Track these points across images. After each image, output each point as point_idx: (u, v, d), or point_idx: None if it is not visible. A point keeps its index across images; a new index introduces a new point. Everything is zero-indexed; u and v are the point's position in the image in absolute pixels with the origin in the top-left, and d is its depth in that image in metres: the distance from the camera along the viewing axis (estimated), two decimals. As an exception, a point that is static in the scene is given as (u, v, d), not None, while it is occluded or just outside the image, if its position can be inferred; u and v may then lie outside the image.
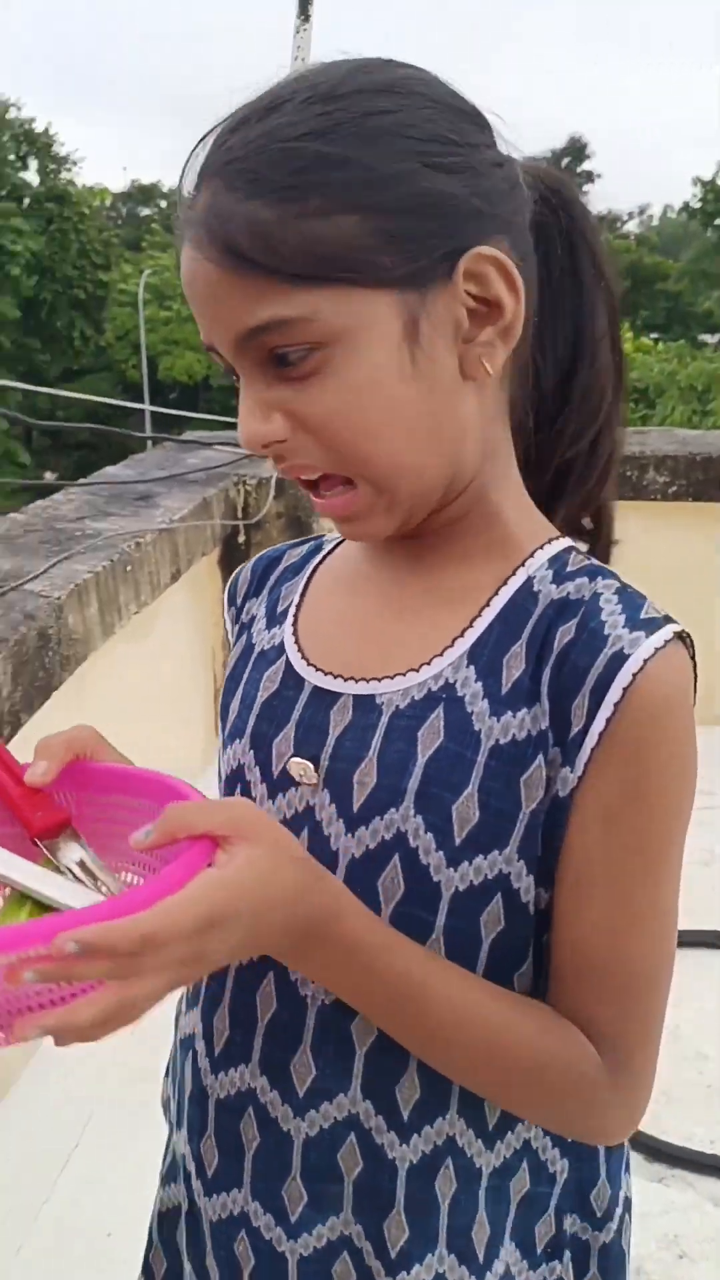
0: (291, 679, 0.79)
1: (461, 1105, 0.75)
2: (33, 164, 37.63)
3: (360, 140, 0.64)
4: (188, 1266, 0.85)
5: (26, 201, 35.73)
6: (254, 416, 0.69)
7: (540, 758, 0.69)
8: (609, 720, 0.67)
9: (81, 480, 3.33)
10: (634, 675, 0.67)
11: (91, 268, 35.56)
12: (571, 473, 0.79)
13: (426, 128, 0.66)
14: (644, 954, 0.70)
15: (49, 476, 25.91)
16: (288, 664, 0.80)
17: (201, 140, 0.68)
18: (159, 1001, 0.58)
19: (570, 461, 0.78)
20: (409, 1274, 0.75)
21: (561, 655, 0.69)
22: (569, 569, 0.73)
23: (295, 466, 0.71)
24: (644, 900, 0.70)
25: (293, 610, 0.84)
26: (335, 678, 0.77)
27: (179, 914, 0.56)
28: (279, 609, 0.85)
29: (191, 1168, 0.82)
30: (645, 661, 0.67)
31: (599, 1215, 0.82)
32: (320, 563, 0.88)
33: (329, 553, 0.88)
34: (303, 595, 0.85)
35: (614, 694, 0.67)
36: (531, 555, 0.74)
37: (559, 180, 0.76)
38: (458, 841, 0.70)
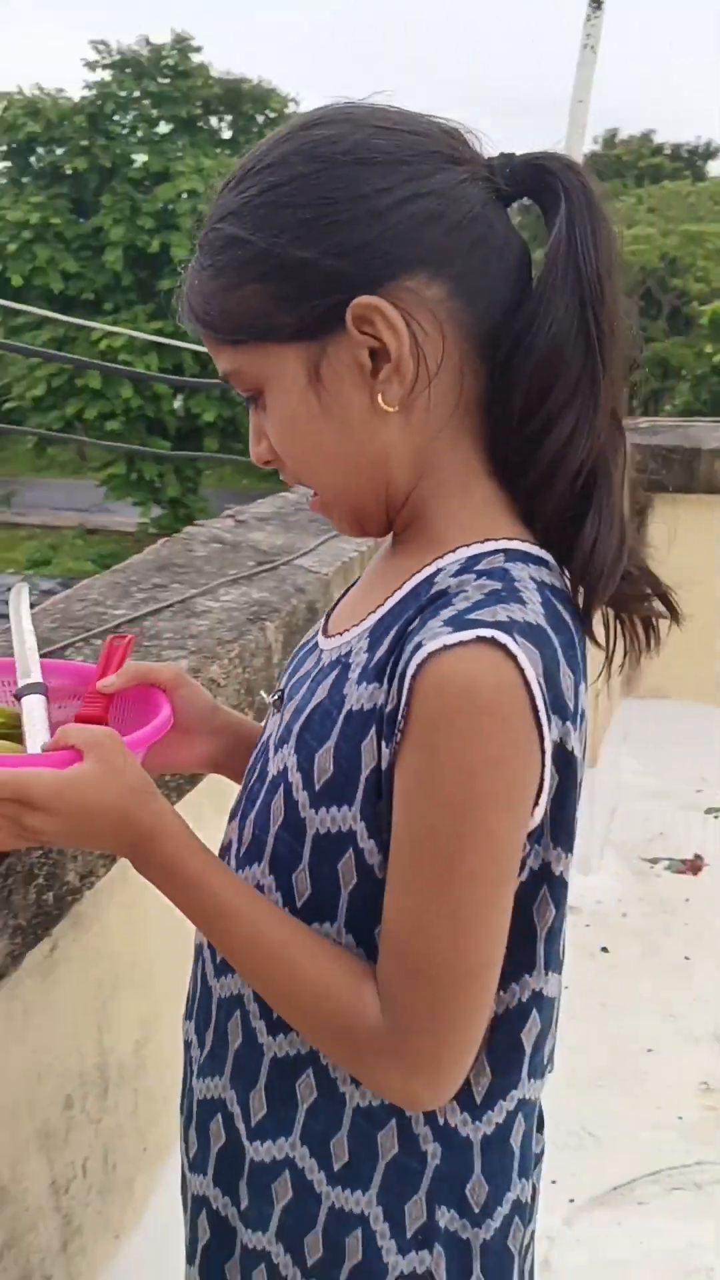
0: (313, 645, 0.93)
1: None
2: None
3: (254, 219, 0.78)
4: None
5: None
6: (252, 440, 0.86)
7: (373, 730, 0.76)
8: (407, 705, 0.72)
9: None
10: (418, 665, 0.71)
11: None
12: (527, 478, 0.80)
13: (309, 195, 0.76)
14: (436, 937, 0.74)
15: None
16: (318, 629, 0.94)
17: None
18: None
19: (527, 465, 0.79)
20: (262, 1145, 0.86)
21: (404, 640, 0.75)
22: (477, 567, 0.77)
23: (287, 478, 0.87)
24: (436, 885, 0.73)
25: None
26: (325, 635, 0.90)
27: (10, 775, 0.78)
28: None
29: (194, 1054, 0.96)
30: (431, 654, 0.71)
31: (476, 1211, 0.84)
32: None
33: None
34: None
35: (406, 681, 0.72)
36: (452, 551, 0.79)
37: (539, 171, 0.78)
38: (317, 788, 0.80)
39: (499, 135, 0.83)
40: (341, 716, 0.79)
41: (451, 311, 0.77)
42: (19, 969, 1.08)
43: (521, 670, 0.70)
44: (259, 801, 0.87)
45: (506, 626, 0.71)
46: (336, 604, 0.94)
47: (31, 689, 0.98)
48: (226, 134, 27.15)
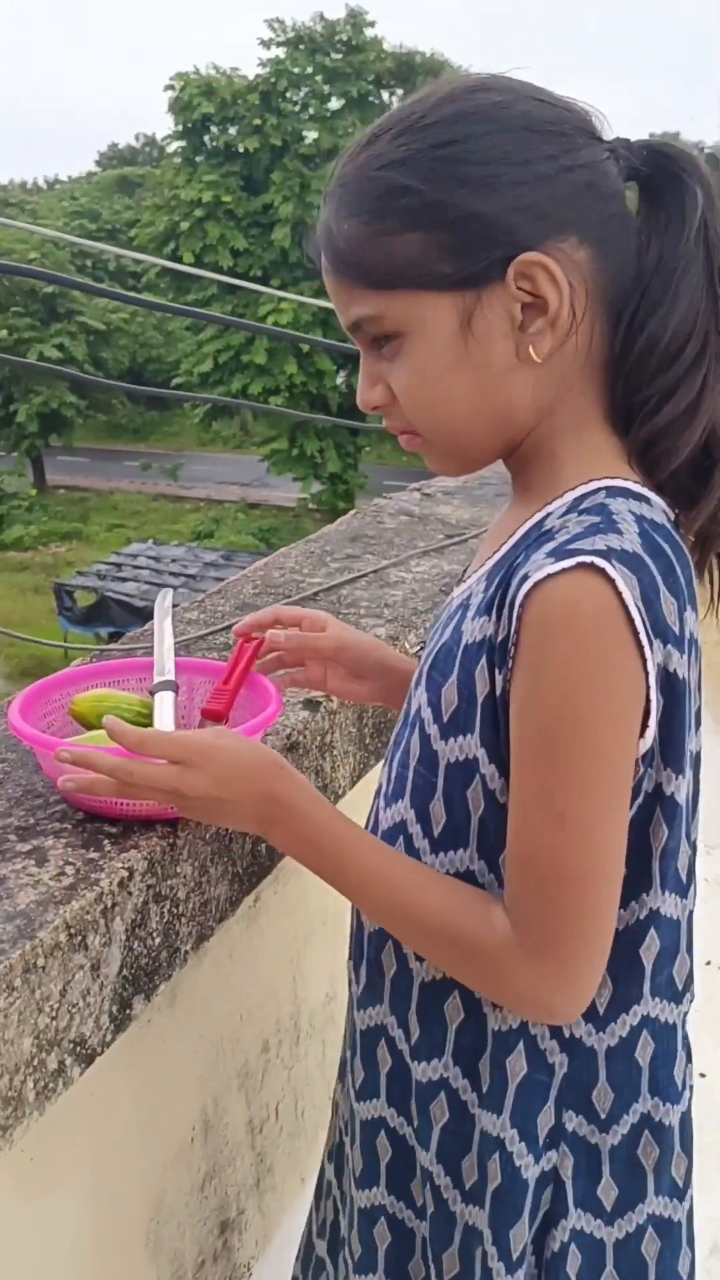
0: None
1: None
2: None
3: (424, 170, 0.81)
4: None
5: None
6: (364, 385, 0.89)
7: (484, 659, 0.82)
8: (516, 632, 0.78)
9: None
10: (526, 594, 0.77)
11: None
12: (648, 426, 0.85)
13: (486, 154, 0.80)
14: (558, 847, 0.78)
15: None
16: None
17: (336, 162, 0.87)
18: (151, 798, 0.90)
19: (648, 416, 0.84)
20: (425, 1065, 0.92)
21: (512, 576, 0.80)
22: (581, 506, 0.82)
23: (393, 424, 0.90)
24: (552, 797, 0.78)
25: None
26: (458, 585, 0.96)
27: (163, 736, 0.89)
28: None
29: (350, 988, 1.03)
30: (537, 583, 0.76)
31: (603, 1117, 0.89)
32: None
33: None
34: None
35: (516, 609, 0.78)
36: (561, 495, 0.84)
37: (662, 158, 0.84)
38: (445, 719, 0.86)
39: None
40: (460, 651, 0.85)
41: (592, 273, 0.83)
42: (235, 914, 1.14)
43: (619, 593, 0.75)
44: (402, 742, 0.93)
45: (604, 554, 0.75)
46: None
47: (165, 686, 1.08)
48: (396, 108, 27.07)
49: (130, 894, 0.95)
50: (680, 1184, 0.93)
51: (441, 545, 2.00)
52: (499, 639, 0.81)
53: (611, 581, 0.75)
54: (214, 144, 25.92)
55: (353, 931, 1.02)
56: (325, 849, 0.89)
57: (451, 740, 0.86)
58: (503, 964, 0.82)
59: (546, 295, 0.81)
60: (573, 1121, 0.88)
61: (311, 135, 25.49)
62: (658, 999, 0.89)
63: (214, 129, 25.89)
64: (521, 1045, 0.88)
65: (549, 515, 0.84)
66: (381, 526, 2.11)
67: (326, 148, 24.80)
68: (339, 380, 24.56)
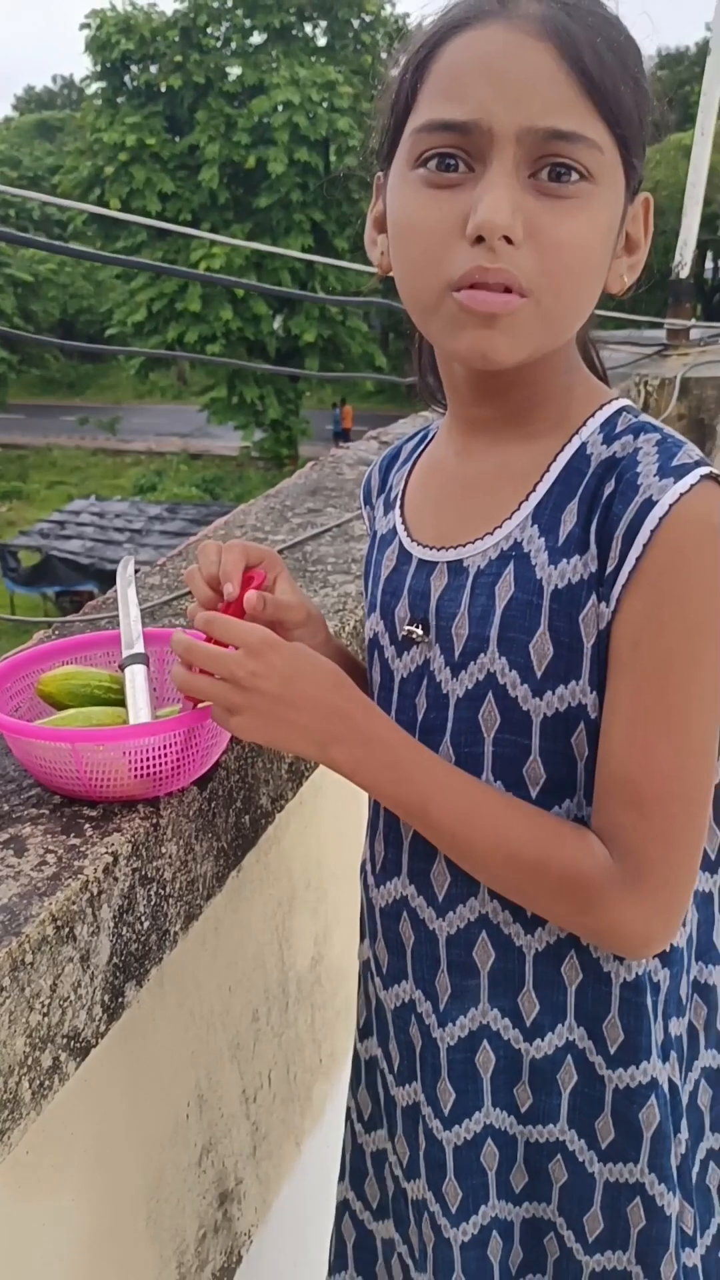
0: (404, 556, 0.93)
1: None
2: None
3: (637, 56, 0.77)
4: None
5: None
6: (503, 206, 0.73)
7: (593, 597, 0.79)
8: (638, 559, 0.76)
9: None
10: (660, 519, 0.75)
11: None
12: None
13: (640, 66, 0.78)
14: (667, 766, 0.78)
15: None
16: (400, 544, 0.93)
17: None
18: (206, 694, 0.84)
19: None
20: (543, 1041, 0.88)
21: (605, 505, 0.78)
22: (617, 429, 0.82)
23: (502, 271, 0.75)
24: (667, 715, 0.77)
25: (399, 494, 0.97)
26: (431, 549, 0.90)
27: (231, 620, 0.83)
28: (391, 495, 0.99)
29: (373, 968, 0.99)
30: (670, 506, 0.75)
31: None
32: (420, 452, 0.99)
33: (429, 441, 0.99)
34: (407, 481, 0.98)
35: (643, 536, 0.75)
36: (584, 423, 0.83)
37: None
38: (539, 675, 0.82)
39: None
40: (546, 599, 0.81)
41: None
42: (222, 890, 1.11)
43: None
44: (451, 725, 0.87)
45: (706, 462, 0.76)
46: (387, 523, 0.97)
47: (135, 659, 1.02)
48: (321, 41, 26.42)
49: (116, 879, 0.92)
50: None
51: (403, 494, 1.95)
52: (609, 571, 0.78)
53: None
54: (135, 84, 25.19)
55: (411, 942, 0.94)
56: (410, 776, 0.82)
57: (549, 693, 0.82)
58: (604, 893, 0.79)
59: (640, 240, 0.83)
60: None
61: (235, 71, 24.82)
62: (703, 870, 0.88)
63: (134, 68, 25.15)
64: (650, 994, 0.86)
65: (584, 445, 0.82)
66: (341, 478, 2.06)
67: (251, 84, 24.18)
68: (275, 325, 24.19)
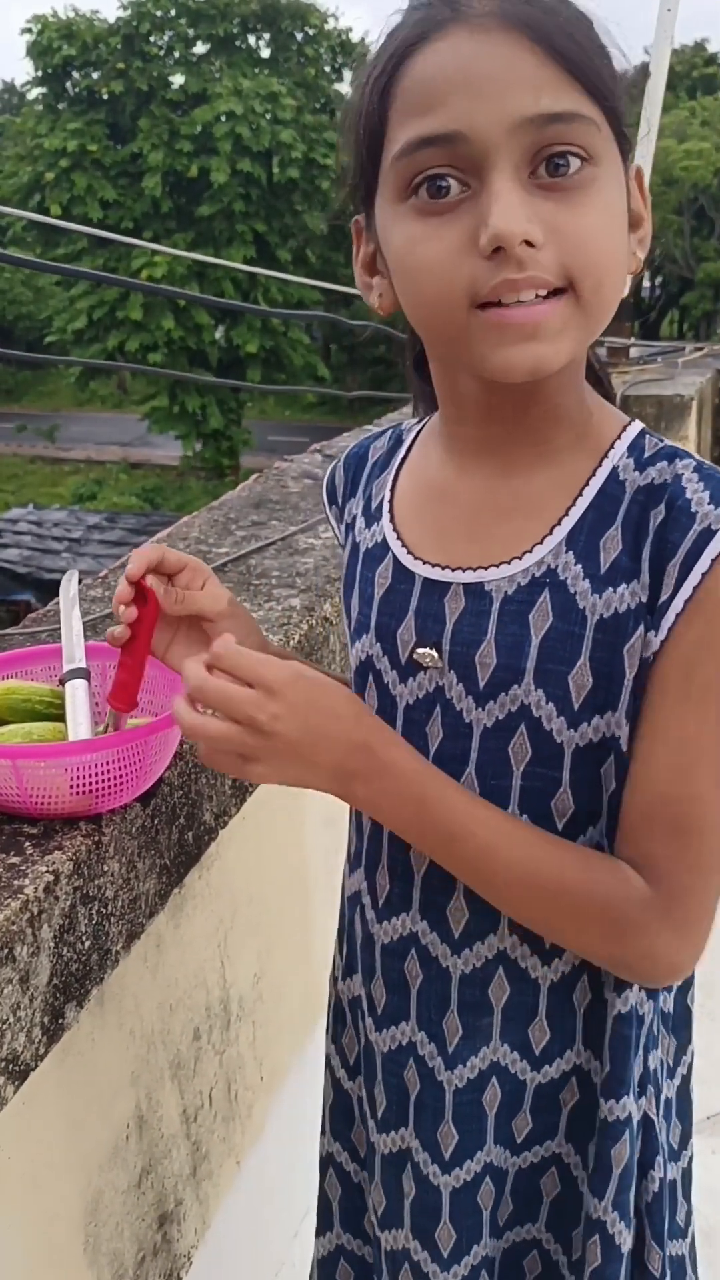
0: (402, 573, 0.86)
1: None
2: (348, 75, 37.17)
3: (584, 15, 0.74)
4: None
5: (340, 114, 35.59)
6: (520, 212, 0.70)
7: (641, 628, 0.77)
8: (695, 588, 0.74)
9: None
10: None
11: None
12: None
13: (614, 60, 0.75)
14: (705, 793, 0.77)
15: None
16: (395, 560, 0.87)
17: None
18: (217, 740, 0.74)
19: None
20: (550, 1067, 0.87)
21: (658, 534, 0.76)
22: (646, 454, 0.80)
23: (534, 277, 0.71)
24: (710, 749, 0.76)
25: (386, 506, 0.90)
26: (441, 568, 0.84)
27: (244, 652, 0.74)
28: (373, 506, 0.92)
29: (364, 1007, 0.93)
30: None
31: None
32: (404, 459, 0.93)
33: (409, 450, 0.93)
34: (393, 490, 0.91)
35: (703, 564, 0.74)
36: (612, 446, 0.81)
37: None
38: (576, 706, 0.79)
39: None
40: (590, 630, 0.78)
41: None
42: (164, 907, 1.10)
43: None
44: (476, 756, 0.83)
45: None
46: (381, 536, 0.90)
47: (76, 674, 1.02)
48: (265, 53, 26.45)
49: (57, 898, 0.90)
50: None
51: (347, 508, 1.95)
52: (661, 599, 0.76)
53: None
54: (77, 90, 24.95)
55: (419, 981, 0.89)
56: (435, 811, 0.78)
57: (585, 725, 0.79)
58: (639, 922, 0.78)
59: (643, 213, 0.79)
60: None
61: (178, 80, 24.74)
62: None
63: (76, 74, 24.91)
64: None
65: (615, 470, 0.80)
66: (285, 491, 2.06)
67: (194, 92, 24.12)
68: (217, 335, 24.11)
